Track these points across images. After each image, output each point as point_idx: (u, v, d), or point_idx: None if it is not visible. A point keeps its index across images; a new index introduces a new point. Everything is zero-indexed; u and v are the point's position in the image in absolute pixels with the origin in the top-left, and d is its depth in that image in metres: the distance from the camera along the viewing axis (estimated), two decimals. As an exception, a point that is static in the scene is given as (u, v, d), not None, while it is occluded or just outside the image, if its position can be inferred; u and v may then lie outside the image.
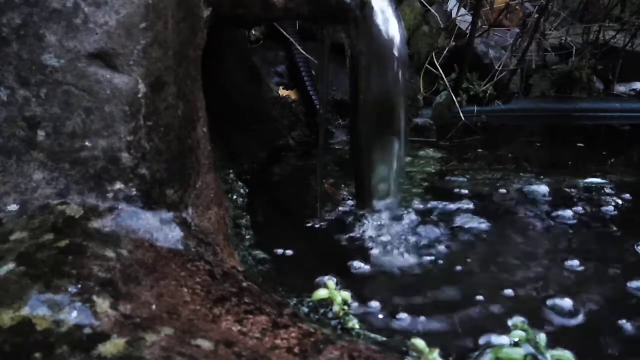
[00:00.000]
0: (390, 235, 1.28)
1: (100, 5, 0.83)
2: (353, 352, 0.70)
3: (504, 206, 1.47)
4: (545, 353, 0.74)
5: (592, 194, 1.53)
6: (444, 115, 2.21)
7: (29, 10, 0.82)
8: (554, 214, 1.41)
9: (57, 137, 0.83)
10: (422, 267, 1.16)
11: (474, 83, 2.31)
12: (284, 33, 1.87)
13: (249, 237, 1.24)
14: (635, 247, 1.26)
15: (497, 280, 1.13)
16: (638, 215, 1.44)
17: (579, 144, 2.08)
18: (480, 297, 1.06)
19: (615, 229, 1.37)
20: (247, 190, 1.45)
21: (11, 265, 0.70)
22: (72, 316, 0.65)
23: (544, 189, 1.53)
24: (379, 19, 1.19)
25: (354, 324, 0.85)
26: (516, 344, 0.77)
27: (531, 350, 0.74)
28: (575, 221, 1.38)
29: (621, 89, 2.55)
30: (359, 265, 1.17)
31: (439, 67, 2.25)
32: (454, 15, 2.40)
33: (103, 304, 0.67)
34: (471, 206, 1.44)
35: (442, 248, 1.24)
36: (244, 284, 0.84)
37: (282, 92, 1.89)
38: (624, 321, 0.99)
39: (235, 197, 1.39)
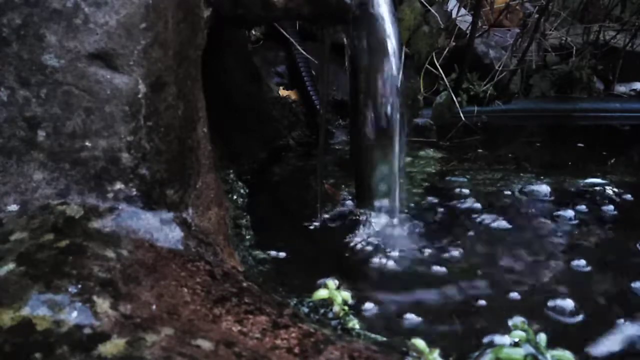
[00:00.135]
0: (390, 235, 1.28)
1: (100, 5, 0.83)
2: (353, 352, 0.70)
3: (504, 206, 1.47)
4: (545, 353, 0.74)
5: (592, 194, 1.53)
6: (444, 115, 2.21)
7: (29, 10, 0.82)
8: (554, 214, 1.41)
9: (57, 137, 0.83)
10: (422, 267, 1.16)
11: (474, 83, 2.31)
12: (284, 33, 1.87)
13: (249, 237, 1.24)
14: (637, 246, 1.26)
15: (498, 280, 1.13)
16: (639, 215, 1.44)
17: (579, 144, 2.08)
18: (480, 297, 1.06)
19: (616, 228, 1.37)
20: (247, 190, 1.45)
21: (11, 265, 0.70)
22: (72, 316, 0.65)
23: (544, 188, 1.53)
24: (378, 19, 1.19)
25: (354, 324, 0.85)
26: (516, 344, 0.77)
27: (531, 350, 0.74)
28: (575, 221, 1.38)
29: (621, 89, 2.55)
30: (359, 265, 1.17)
31: (439, 67, 2.25)
32: (454, 15, 2.40)
33: (103, 304, 0.67)
34: (471, 206, 1.44)
35: (442, 248, 1.24)
36: (244, 284, 0.84)
37: (282, 92, 1.89)
38: (625, 321, 0.99)
39: (235, 197, 1.39)
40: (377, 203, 1.34)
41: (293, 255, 1.20)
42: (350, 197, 1.45)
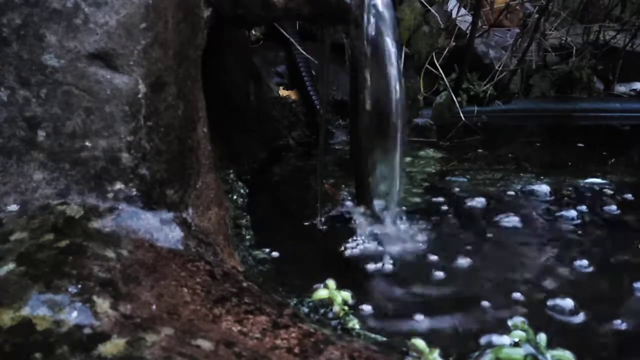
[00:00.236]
0: (390, 235, 1.28)
1: (100, 5, 0.83)
2: (353, 352, 0.70)
3: (504, 206, 1.47)
4: (545, 353, 0.74)
5: (592, 194, 1.53)
6: (444, 115, 2.21)
7: (29, 10, 0.82)
8: (554, 214, 1.41)
9: (57, 137, 0.83)
10: (422, 267, 1.16)
11: (474, 83, 2.31)
12: (284, 33, 1.87)
13: (249, 237, 1.24)
14: (638, 246, 1.26)
15: (498, 280, 1.13)
16: (639, 215, 1.44)
17: (579, 144, 2.08)
18: (480, 297, 1.06)
19: (617, 229, 1.37)
20: (247, 190, 1.45)
21: (11, 265, 0.70)
22: (72, 316, 0.65)
23: (544, 188, 1.53)
24: (378, 19, 1.19)
25: (354, 324, 0.85)
26: (516, 344, 0.77)
27: (531, 350, 0.74)
28: (576, 221, 1.38)
29: (621, 89, 2.55)
30: (359, 265, 1.17)
31: (439, 67, 2.25)
32: (454, 15, 2.40)
33: (103, 304, 0.67)
34: (471, 206, 1.44)
35: (442, 248, 1.24)
36: (244, 284, 0.84)
37: (282, 92, 1.89)
38: (626, 321, 0.99)
39: (235, 197, 1.39)
40: (377, 203, 1.34)
41: (293, 255, 1.20)
42: (350, 197, 1.45)
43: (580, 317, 1.01)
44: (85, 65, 0.83)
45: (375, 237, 1.27)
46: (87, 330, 0.63)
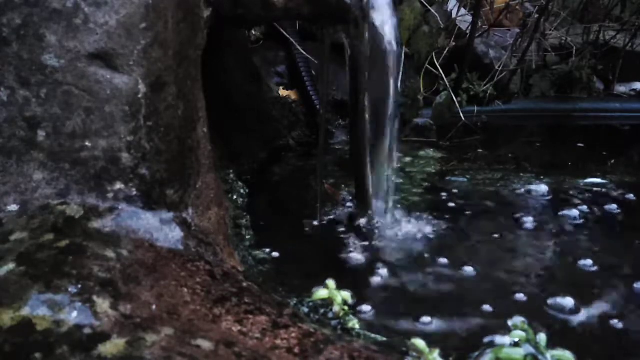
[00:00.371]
0: (390, 235, 1.28)
1: (100, 5, 0.83)
2: (353, 352, 0.70)
3: (504, 206, 1.47)
4: (545, 353, 0.74)
5: (592, 194, 1.53)
6: (444, 115, 2.21)
7: (29, 10, 0.82)
8: (554, 214, 1.41)
9: (57, 137, 0.83)
10: (422, 267, 1.16)
11: (474, 83, 2.31)
12: (284, 33, 1.87)
13: (249, 237, 1.24)
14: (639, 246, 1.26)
15: (498, 280, 1.13)
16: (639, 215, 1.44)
17: (579, 144, 2.08)
18: (480, 297, 1.06)
19: (616, 228, 1.37)
20: (247, 190, 1.45)
21: (11, 265, 0.70)
22: (72, 316, 0.65)
23: (544, 188, 1.53)
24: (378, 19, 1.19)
25: (354, 324, 0.85)
26: (516, 344, 0.77)
27: (531, 350, 0.74)
28: (576, 221, 1.38)
29: (621, 89, 2.55)
30: (359, 265, 1.17)
31: (439, 67, 2.25)
32: (454, 15, 2.40)
33: (103, 304, 0.67)
34: (471, 206, 1.44)
35: (442, 248, 1.24)
36: (244, 284, 0.84)
37: (282, 92, 1.89)
38: (626, 321, 0.99)
39: (235, 197, 1.39)
40: (376, 203, 1.34)
41: (293, 255, 1.20)
42: (350, 197, 1.45)
43: (581, 317, 1.01)
44: (85, 65, 0.83)
45: (374, 237, 1.27)
46: (87, 330, 0.63)
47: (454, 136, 2.12)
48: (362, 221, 1.33)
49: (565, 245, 1.28)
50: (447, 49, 2.30)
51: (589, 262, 1.18)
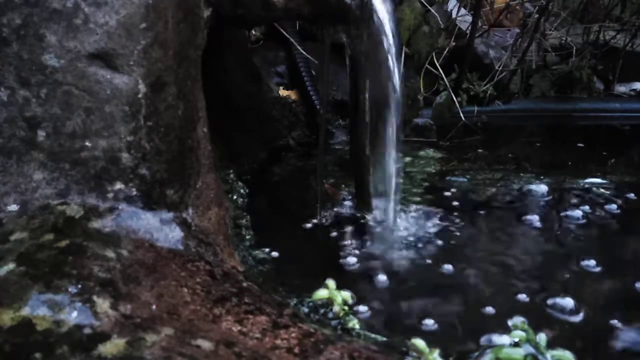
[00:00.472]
0: (390, 235, 1.28)
1: (100, 5, 0.83)
2: (353, 352, 0.70)
3: (504, 206, 1.47)
4: (545, 353, 0.74)
5: (592, 194, 1.53)
6: (444, 115, 2.21)
7: (29, 10, 0.82)
8: (554, 214, 1.41)
9: (57, 137, 0.83)
10: (422, 267, 1.16)
11: (474, 83, 2.31)
12: (284, 33, 1.87)
13: (249, 237, 1.24)
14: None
15: (498, 280, 1.13)
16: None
17: (579, 144, 2.08)
18: (480, 297, 1.06)
19: (617, 228, 1.37)
20: (247, 190, 1.45)
21: (11, 265, 0.70)
22: (72, 316, 0.65)
23: (544, 188, 1.53)
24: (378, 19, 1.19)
25: (354, 324, 0.85)
26: (516, 344, 0.77)
27: (531, 350, 0.74)
28: (576, 220, 1.38)
29: (621, 89, 2.55)
30: (359, 265, 1.17)
31: (439, 67, 2.25)
32: (454, 15, 2.40)
33: (103, 304, 0.67)
34: (471, 206, 1.44)
35: (442, 248, 1.24)
36: (244, 284, 0.84)
37: (282, 92, 1.89)
38: (627, 321, 0.99)
39: (235, 197, 1.39)
40: (376, 203, 1.34)
41: (293, 255, 1.20)
42: (350, 197, 1.45)
43: (581, 317, 1.01)
44: (85, 65, 0.83)
45: (374, 237, 1.27)
46: (87, 330, 0.63)
47: (454, 136, 2.12)
48: (362, 221, 1.33)
49: (566, 245, 1.28)
50: (447, 49, 2.30)
51: (590, 261, 1.18)
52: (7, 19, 0.82)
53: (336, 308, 0.86)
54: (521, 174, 1.68)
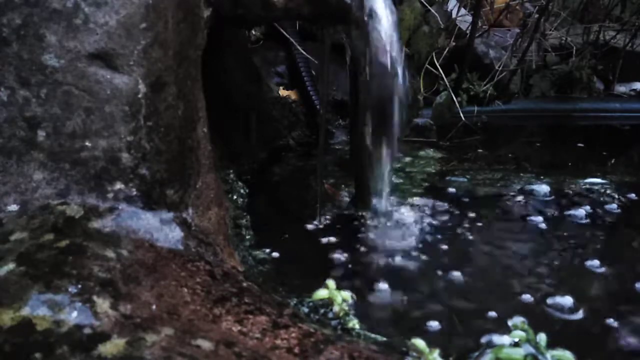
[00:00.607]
0: (390, 235, 1.28)
1: (100, 5, 0.83)
2: (353, 352, 0.70)
3: (504, 206, 1.47)
4: (545, 353, 0.74)
5: (592, 194, 1.53)
6: (444, 115, 2.21)
7: (29, 10, 0.82)
8: (554, 214, 1.41)
9: (57, 137, 0.83)
10: (422, 267, 1.16)
11: (474, 83, 2.31)
12: (284, 33, 1.87)
13: (249, 237, 1.24)
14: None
15: (497, 280, 1.13)
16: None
17: (579, 144, 2.08)
18: (480, 297, 1.06)
19: (617, 228, 1.37)
20: (247, 190, 1.45)
21: (11, 265, 0.70)
22: (72, 316, 0.65)
23: (544, 188, 1.53)
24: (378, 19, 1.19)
25: (354, 324, 0.85)
26: (516, 344, 0.77)
27: (531, 350, 0.74)
28: (576, 220, 1.38)
29: (621, 89, 2.55)
30: (358, 265, 1.17)
31: (439, 67, 2.25)
32: (454, 15, 2.40)
33: (103, 304, 0.67)
34: (471, 206, 1.44)
35: (442, 248, 1.24)
36: (244, 284, 0.84)
37: (282, 92, 1.89)
38: (627, 320, 0.99)
39: (235, 197, 1.39)
40: (376, 203, 1.34)
41: (293, 255, 1.20)
42: (350, 197, 1.45)
43: (581, 316, 1.01)
44: (85, 65, 0.83)
45: (374, 236, 1.27)
46: (87, 330, 0.63)
47: (454, 136, 2.12)
48: (363, 221, 1.33)
49: (567, 245, 1.28)
50: (447, 49, 2.30)
51: (590, 261, 1.18)
52: (7, 19, 0.82)
53: (336, 308, 0.86)
54: (521, 174, 1.68)
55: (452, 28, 2.37)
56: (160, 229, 0.87)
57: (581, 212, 1.41)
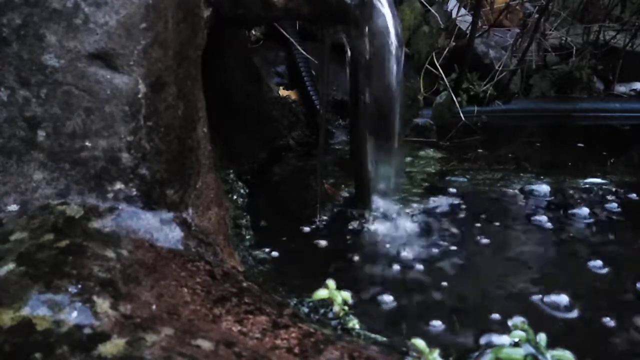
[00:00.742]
0: (390, 235, 1.28)
1: (100, 5, 0.83)
2: (353, 352, 0.70)
3: (504, 206, 1.47)
4: (545, 353, 0.74)
5: (592, 194, 1.53)
6: (444, 115, 2.21)
7: (29, 10, 0.82)
8: (554, 214, 1.41)
9: (57, 137, 0.83)
10: (422, 267, 1.16)
11: (474, 83, 2.31)
12: (284, 33, 1.87)
13: (249, 237, 1.24)
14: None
15: (497, 280, 1.13)
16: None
17: (579, 144, 2.08)
18: (480, 297, 1.05)
19: (617, 228, 1.37)
20: (247, 190, 1.45)
21: (11, 265, 0.70)
22: (72, 316, 0.65)
23: (544, 188, 1.53)
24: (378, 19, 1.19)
25: (354, 324, 0.85)
26: (516, 344, 0.77)
27: (531, 350, 0.74)
28: (576, 220, 1.38)
29: (621, 89, 2.55)
30: (358, 265, 1.17)
31: (439, 67, 2.25)
32: (454, 15, 2.40)
33: (103, 304, 0.67)
34: (471, 206, 1.44)
35: (442, 248, 1.24)
36: (244, 284, 0.84)
37: (282, 92, 1.89)
38: (627, 320, 0.99)
39: (235, 197, 1.39)
40: (376, 203, 1.34)
41: (293, 255, 1.20)
42: (350, 197, 1.44)
43: (581, 316, 1.01)
44: (85, 65, 0.83)
45: (375, 236, 1.27)
46: (87, 330, 0.63)
47: (454, 136, 2.12)
48: (362, 221, 1.33)
49: (567, 245, 1.28)
50: (447, 49, 2.30)
51: (590, 261, 1.18)
52: (7, 19, 0.82)
53: (336, 308, 0.86)
54: (521, 174, 1.68)
55: (452, 28, 2.37)
56: (160, 229, 0.87)
57: (581, 212, 1.41)
